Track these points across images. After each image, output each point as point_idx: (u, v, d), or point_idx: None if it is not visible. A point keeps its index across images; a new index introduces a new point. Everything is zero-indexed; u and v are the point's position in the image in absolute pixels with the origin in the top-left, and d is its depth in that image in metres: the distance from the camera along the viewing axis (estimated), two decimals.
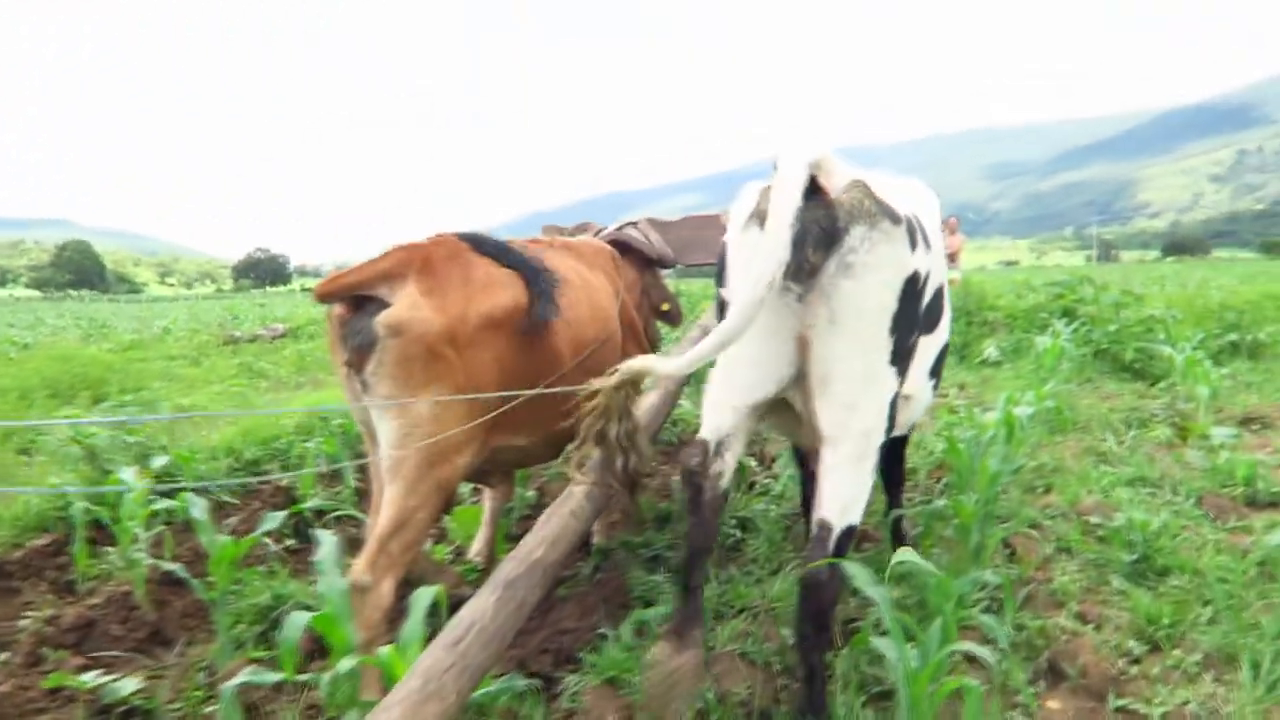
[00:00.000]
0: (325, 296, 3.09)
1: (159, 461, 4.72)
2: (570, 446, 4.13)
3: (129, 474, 4.34)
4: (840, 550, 2.65)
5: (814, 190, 2.51)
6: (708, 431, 2.88)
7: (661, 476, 5.71)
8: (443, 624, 2.34)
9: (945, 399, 8.30)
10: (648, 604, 3.77)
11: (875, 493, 5.02)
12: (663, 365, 2.71)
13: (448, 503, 3.35)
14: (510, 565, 2.67)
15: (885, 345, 2.60)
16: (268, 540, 4.58)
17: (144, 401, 6.75)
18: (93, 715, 3.09)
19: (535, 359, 3.42)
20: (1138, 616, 3.52)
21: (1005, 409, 5.22)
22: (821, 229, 2.49)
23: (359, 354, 3.00)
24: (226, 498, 5.46)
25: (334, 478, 5.72)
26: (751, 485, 5.40)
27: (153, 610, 3.86)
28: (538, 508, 5.10)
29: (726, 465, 2.90)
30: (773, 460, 5.90)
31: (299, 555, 4.70)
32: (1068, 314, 11.29)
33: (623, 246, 4.97)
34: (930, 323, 3.08)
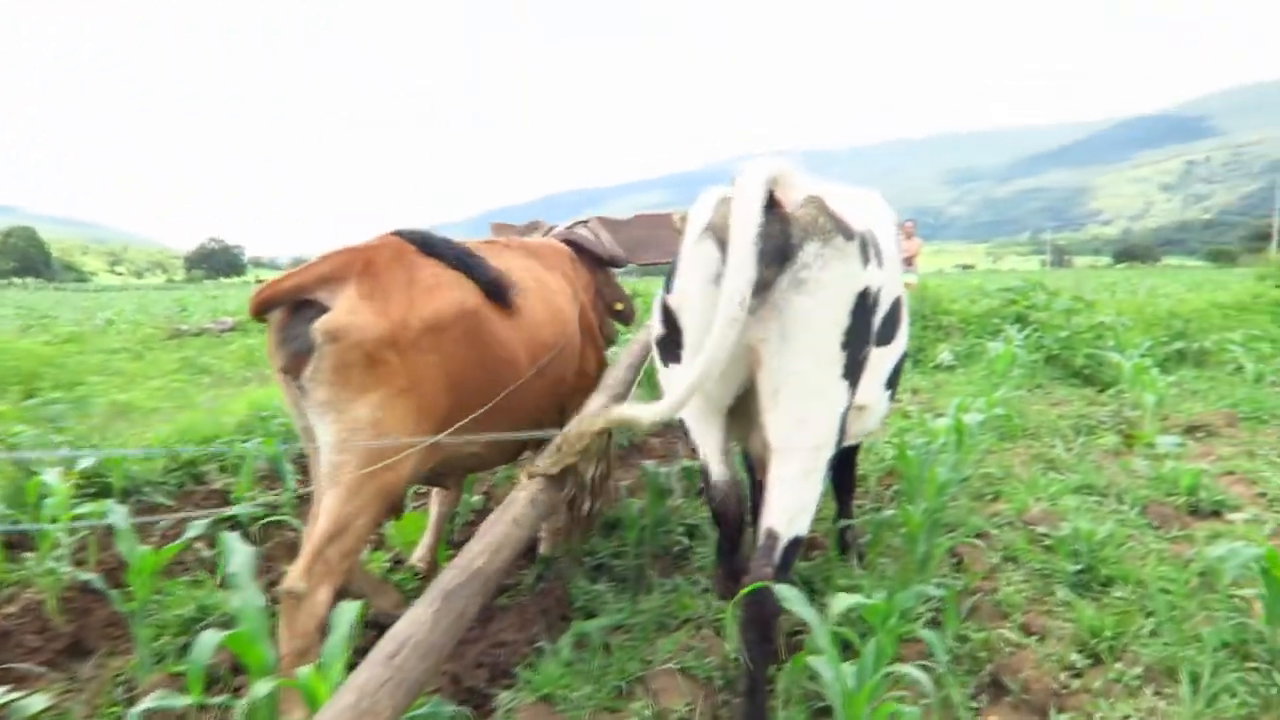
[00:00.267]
0: (265, 303, 2.96)
1: (86, 463, 4.50)
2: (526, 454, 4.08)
3: (52, 475, 4.15)
4: (786, 560, 2.64)
5: (770, 204, 2.47)
6: (712, 454, 3.04)
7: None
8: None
9: (898, 404, 8.31)
10: (590, 615, 3.69)
11: (825, 499, 5.01)
12: (648, 413, 2.69)
13: (391, 509, 3.23)
14: (450, 574, 2.59)
15: (837, 360, 2.58)
16: (200, 546, 4.45)
17: (77, 398, 6.48)
18: None
19: (488, 363, 3.32)
20: (1081, 628, 3.50)
21: (956, 416, 5.22)
22: (775, 244, 2.46)
23: (295, 359, 2.89)
24: (161, 499, 5.28)
25: (275, 479, 5.55)
26: (700, 491, 5.32)
27: (72, 620, 3.70)
28: (483, 513, 4.99)
29: (735, 468, 3.13)
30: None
31: None
32: (1020, 320, 11.42)
33: (574, 246, 4.87)
34: (886, 335, 3.07)
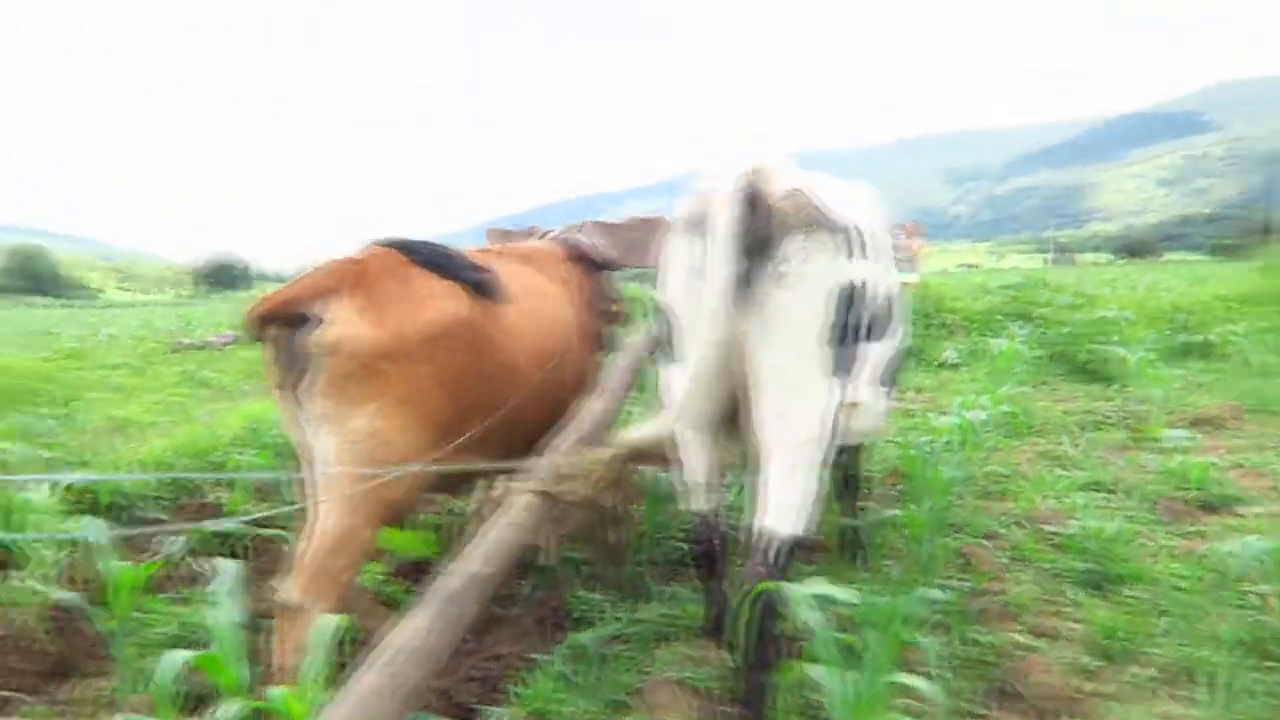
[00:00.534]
0: (261, 319, 2.91)
1: (73, 477, 4.42)
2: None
3: (38, 493, 4.08)
4: (781, 561, 2.59)
5: (753, 197, 2.44)
6: (695, 485, 3.06)
7: None
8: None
9: (901, 402, 8.22)
10: (588, 625, 3.60)
11: (828, 501, 4.91)
12: (651, 431, 2.87)
13: (393, 522, 3.21)
14: (447, 580, 2.54)
15: (822, 356, 2.53)
16: (192, 561, 4.37)
17: (65, 414, 6.42)
18: None
19: (486, 371, 3.27)
20: (1093, 629, 3.40)
21: (960, 414, 5.14)
22: (755, 237, 2.42)
23: (292, 374, 2.87)
24: (157, 514, 5.20)
25: (270, 493, 5.47)
26: None
27: (57, 641, 3.61)
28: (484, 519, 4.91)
29: (721, 501, 3.14)
30: (725, 470, 5.74)
31: None
32: (1023, 316, 11.32)
33: (570, 251, 4.81)
34: (879, 330, 2.99)
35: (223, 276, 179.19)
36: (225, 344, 15.30)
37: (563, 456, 3.21)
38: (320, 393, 2.83)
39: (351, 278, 2.93)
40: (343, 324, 2.82)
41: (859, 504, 4.45)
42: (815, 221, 2.43)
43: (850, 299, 2.54)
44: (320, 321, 2.83)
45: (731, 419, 2.97)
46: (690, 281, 2.59)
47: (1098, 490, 5.16)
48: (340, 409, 2.84)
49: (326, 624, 2.34)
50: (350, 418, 2.86)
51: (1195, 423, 6.83)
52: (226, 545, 4.64)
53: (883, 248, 3.02)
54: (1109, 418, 7.10)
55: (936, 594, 2.96)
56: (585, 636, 3.31)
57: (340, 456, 2.86)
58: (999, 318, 11.63)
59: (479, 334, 3.23)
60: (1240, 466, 5.54)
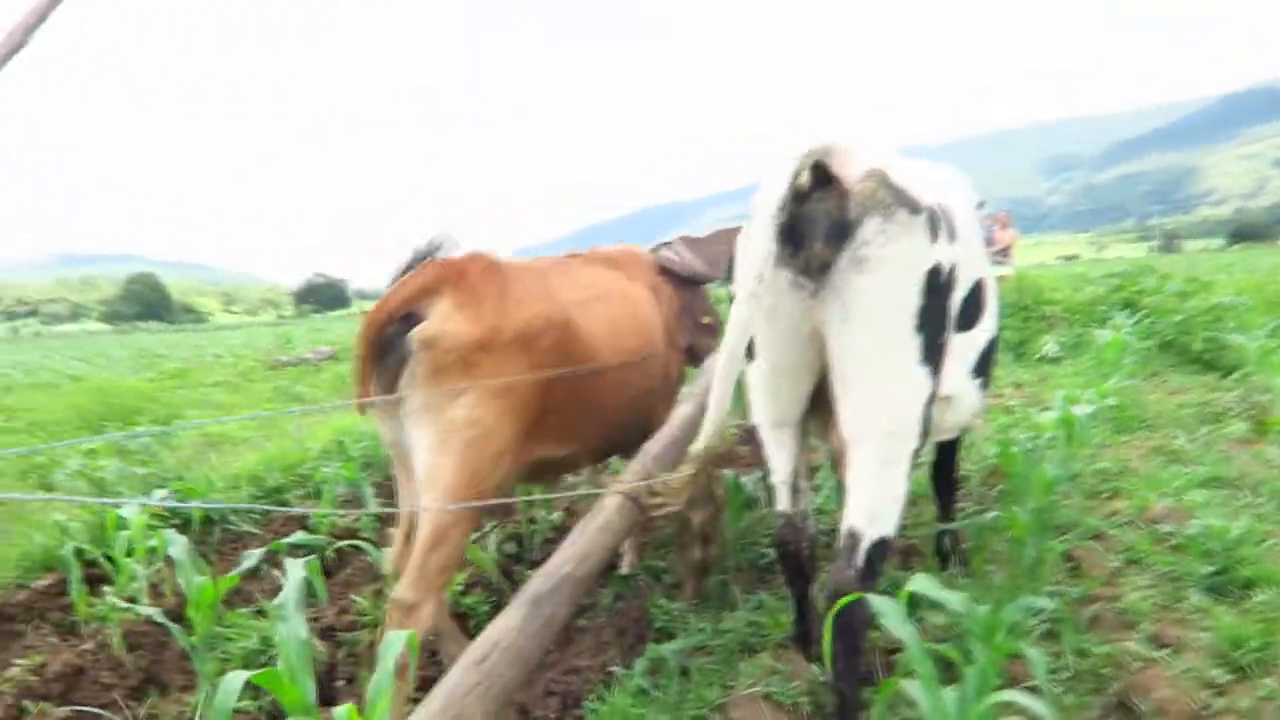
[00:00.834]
0: (383, 323, 3.02)
1: (161, 493, 4.50)
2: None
3: (129, 509, 4.15)
4: (872, 563, 2.47)
5: (826, 180, 2.36)
6: (779, 484, 2.94)
7: None
8: None
9: (1000, 399, 7.84)
10: (669, 636, 3.47)
11: (925, 504, 4.66)
12: (711, 427, 2.73)
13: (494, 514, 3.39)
14: (539, 581, 2.62)
15: (910, 343, 2.40)
16: (278, 574, 4.41)
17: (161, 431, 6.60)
18: None
19: (574, 366, 3.38)
20: (1220, 638, 3.10)
21: (1064, 408, 4.82)
22: (832, 221, 2.33)
23: (392, 371, 3.00)
24: (249, 528, 5.29)
25: (347, 505, 5.52)
26: None
27: (145, 656, 3.66)
28: (563, 529, 4.84)
29: (808, 502, 3.00)
30: (814, 471, 5.54)
31: (313, 590, 4.48)
32: (1129, 305, 10.71)
33: (661, 268, 4.78)
34: (969, 318, 2.85)
35: (322, 296, 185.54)
36: (321, 359, 15.71)
37: (642, 474, 3.25)
38: (420, 384, 2.96)
39: (452, 277, 3.08)
40: (442, 319, 2.97)
41: (956, 506, 4.21)
42: (895, 202, 2.30)
43: (937, 283, 2.40)
44: (421, 319, 2.99)
45: (817, 415, 2.89)
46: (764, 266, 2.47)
47: (1220, 487, 4.77)
48: (439, 399, 2.97)
49: (394, 640, 2.27)
50: (448, 408, 2.97)
51: None
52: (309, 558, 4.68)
53: (971, 232, 2.85)
54: (1229, 409, 6.59)
55: (1044, 601, 2.71)
56: (666, 648, 3.17)
57: (439, 446, 2.97)
58: (1103, 308, 11.02)
59: (571, 337, 3.36)
60: None
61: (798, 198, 2.39)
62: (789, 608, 3.58)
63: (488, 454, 3.02)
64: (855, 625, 2.43)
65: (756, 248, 2.36)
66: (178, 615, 3.50)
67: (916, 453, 2.54)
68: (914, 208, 2.32)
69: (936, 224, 2.39)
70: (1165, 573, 3.70)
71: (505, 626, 2.37)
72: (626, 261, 4.36)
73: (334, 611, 4.04)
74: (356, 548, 4.26)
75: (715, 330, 5.14)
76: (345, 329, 30.16)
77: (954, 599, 2.17)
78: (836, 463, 3.84)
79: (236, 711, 3.13)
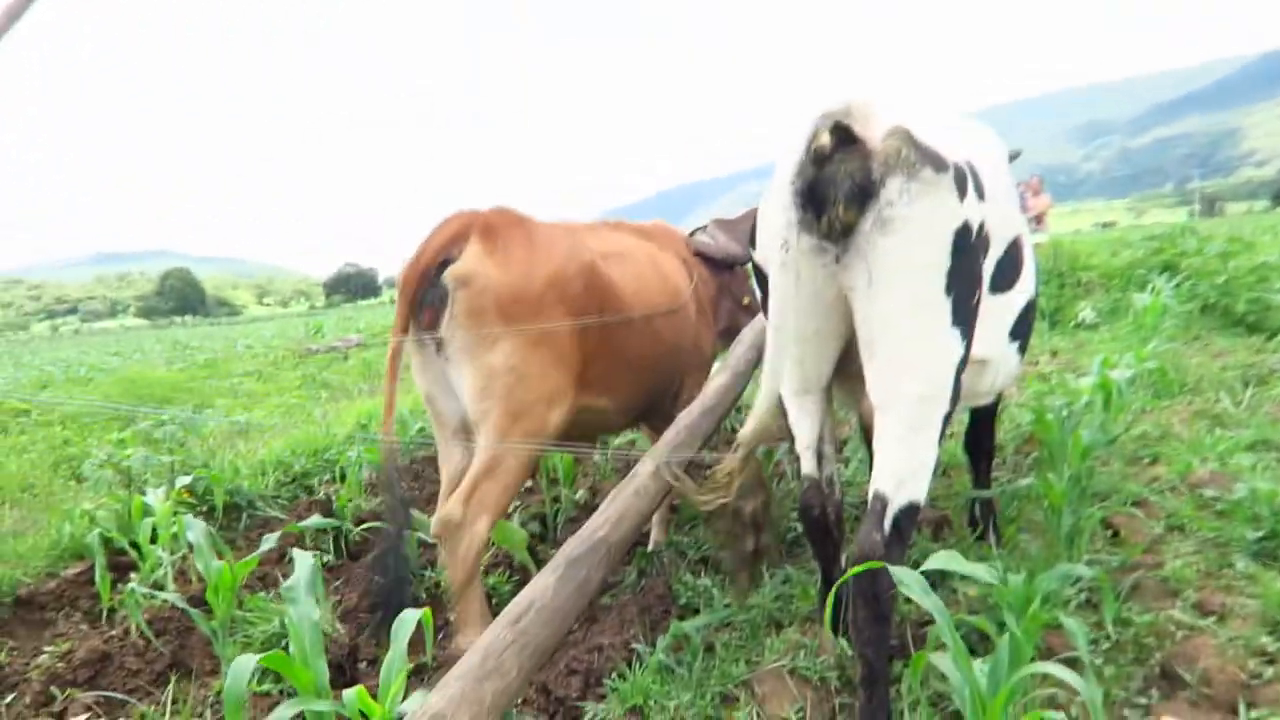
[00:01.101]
0: (424, 273, 3.11)
1: (183, 480, 4.49)
2: None
3: (154, 495, 4.15)
4: (899, 529, 2.38)
5: (848, 140, 2.26)
6: (804, 450, 2.90)
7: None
8: None
9: (1035, 366, 7.66)
10: (694, 612, 3.39)
11: (959, 473, 4.54)
12: (762, 409, 2.78)
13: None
14: (573, 543, 2.69)
15: (940, 305, 2.30)
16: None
17: (184, 419, 6.63)
18: None
19: (607, 316, 3.47)
20: (1269, 605, 2.95)
21: (1101, 373, 4.67)
22: (854, 182, 2.23)
23: (432, 312, 3.11)
24: (276, 513, 5.29)
25: (374, 490, 5.49)
26: None
27: (171, 641, 3.65)
28: (587, 509, 4.78)
29: (832, 468, 2.96)
30: (843, 444, 5.44)
31: (337, 573, 4.47)
32: (1169, 268, 10.41)
33: (697, 253, 4.80)
34: (1005, 280, 2.77)
35: (352, 285, 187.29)
36: (349, 347, 15.79)
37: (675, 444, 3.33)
38: (460, 324, 3.07)
39: (478, 226, 3.18)
40: (474, 259, 3.07)
41: (990, 475, 4.08)
42: (920, 160, 2.20)
43: (967, 242, 2.31)
44: (454, 260, 3.10)
45: (845, 384, 2.87)
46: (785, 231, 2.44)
47: (1267, 450, 4.58)
48: (478, 342, 3.07)
49: (409, 619, 2.22)
50: (488, 352, 3.07)
51: None
52: (332, 541, 4.66)
53: (1004, 189, 2.73)
54: (1275, 371, 6.37)
55: (1082, 570, 2.58)
56: (689, 625, 3.09)
57: (481, 390, 3.11)
58: (1141, 271, 10.72)
59: (599, 283, 3.45)
60: None
61: (818, 160, 2.29)
62: (816, 580, 3.50)
63: (530, 398, 3.16)
64: (881, 592, 2.34)
65: (778, 214, 2.34)
66: (201, 600, 3.48)
67: (948, 418, 2.46)
68: (940, 165, 2.23)
69: (964, 181, 2.29)
70: (1210, 538, 3.57)
71: (541, 587, 2.43)
72: (656, 234, 4.44)
73: (357, 594, 4.01)
74: (380, 530, 4.21)
75: (755, 312, 5.09)
76: (374, 317, 30.36)
77: (980, 570, 2.06)
78: (867, 434, 3.76)
79: (261, 694, 3.12)
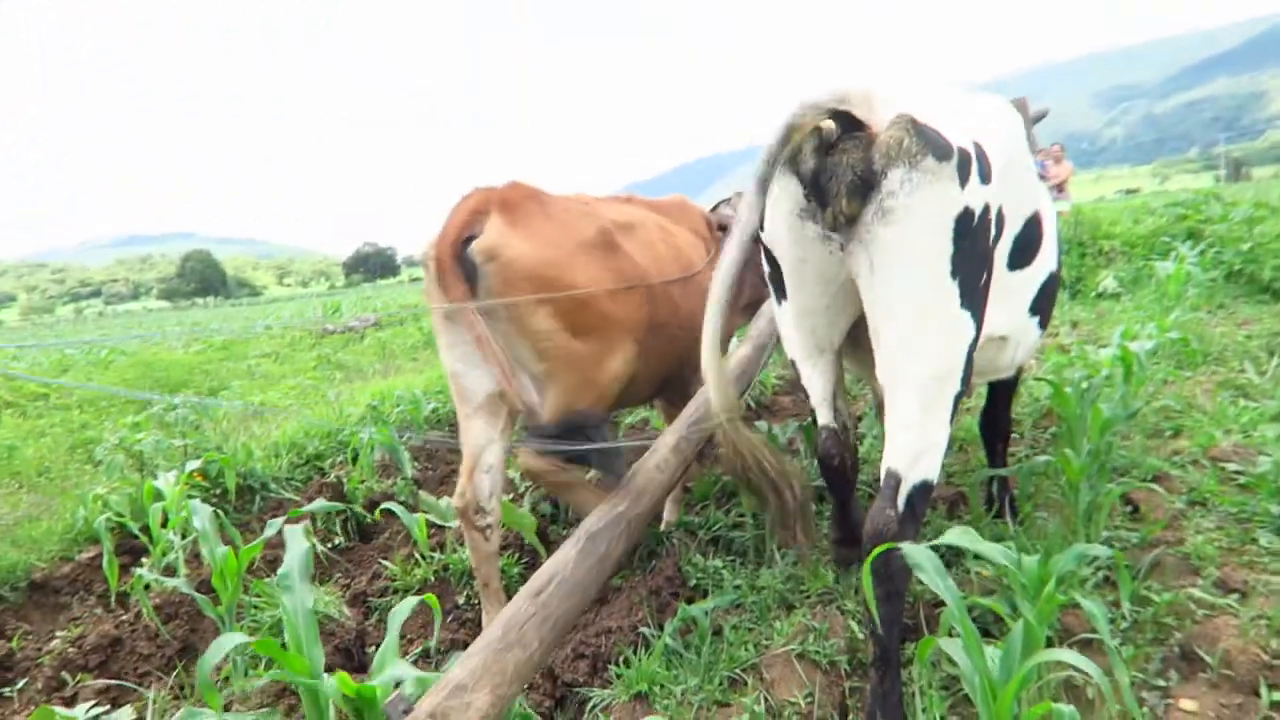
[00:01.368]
0: (454, 247, 3.09)
1: (194, 464, 4.48)
2: None
3: (165, 479, 4.14)
4: (913, 506, 2.38)
5: (854, 127, 2.32)
6: (819, 403, 2.96)
7: None
8: None
9: (1055, 338, 7.54)
10: (703, 594, 3.35)
11: (975, 449, 4.46)
12: (712, 383, 2.66)
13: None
14: (594, 518, 2.74)
15: (945, 289, 2.31)
16: (314, 541, 4.39)
17: (194, 403, 6.63)
18: None
19: (621, 284, 3.47)
20: None
21: (1122, 344, 4.57)
22: (856, 174, 2.26)
23: (459, 289, 3.09)
24: (290, 495, 5.29)
25: (386, 470, 5.48)
26: None
27: (182, 625, 3.65)
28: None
29: (845, 414, 3.03)
30: (858, 419, 5.36)
31: (347, 555, 4.46)
32: (1193, 236, 10.23)
33: (721, 226, 4.76)
34: (1025, 255, 2.80)
35: (371, 265, 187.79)
36: (366, 326, 15.81)
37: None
38: (493, 295, 3.08)
39: (496, 200, 3.19)
40: (495, 234, 3.07)
41: (1008, 448, 4.00)
42: (921, 149, 2.20)
43: (969, 227, 2.30)
44: (478, 235, 3.09)
45: (860, 358, 2.96)
46: (789, 219, 2.50)
47: None
48: (520, 310, 3.08)
49: (404, 606, 2.19)
50: (531, 318, 3.10)
51: None
52: (345, 523, 4.65)
53: (1019, 166, 2.68)
54: None
55: (1099, 549, 2.50)
56: (697, 608, 3.04)
57: (540, 353, 3.15)
58: (1165, 239, 10.53)
59: (618, 252, 3.46)
60: None
61: (820, 149, 2.33)
62: (827, 559, 3.46)
63: (588, 349, 3.22)
64: (895, 570, 2.33)
65: (783, 200, 2.44)
66: (210, 586, 3.48)
67: (959, 397, 2.45)
68: (943, 153, 2.21)
69: (967, 166, 2.27)
70: (1232, 513, 3.49)
71: (561, 560, 2.48)
72: (671, 209, 4.42)
73: (366, 577, 4.00)
74: (391, 512, 4.20)
75: None
76: (392, 295, 30.42)
77: (994, 550, 2.01)
78: (881, 410, 3.71)
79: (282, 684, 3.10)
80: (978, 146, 2.35)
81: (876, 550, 2.18)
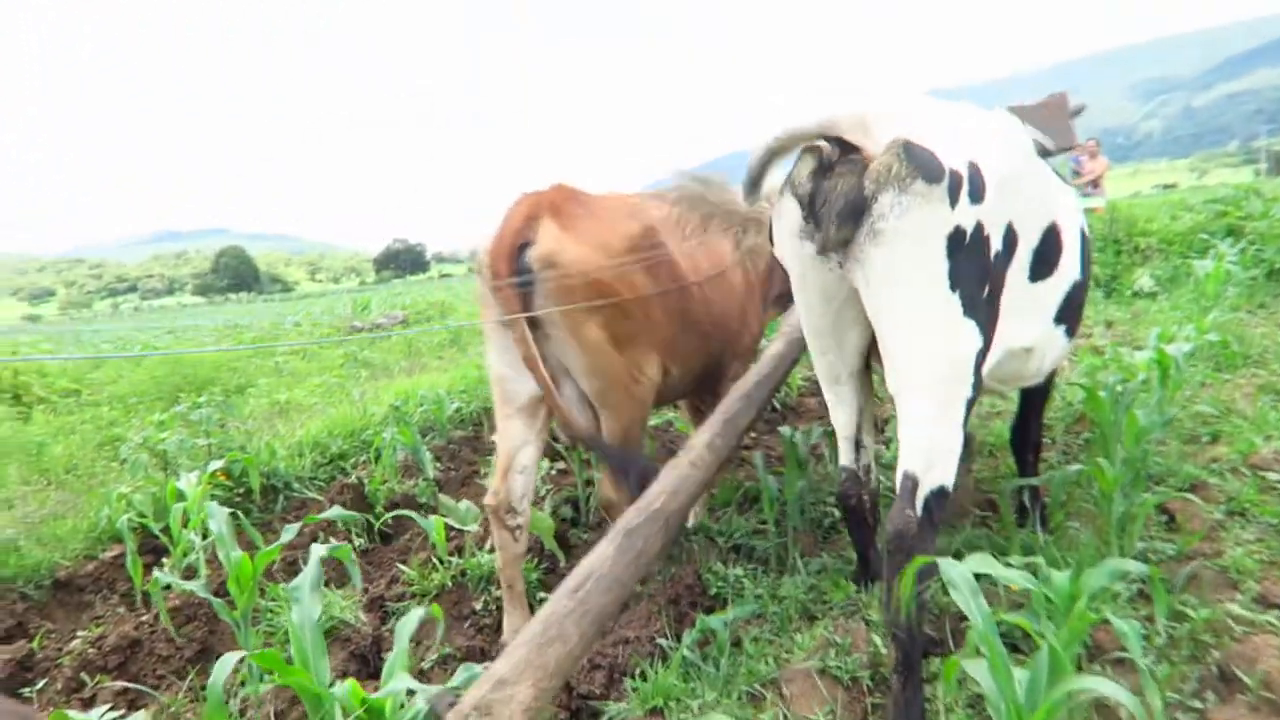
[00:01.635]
0: (509, 253, 3.14)
1: (216, 464, 4.48)
2: None
3: (187, 480, 4.14)
4: (929, 511, 2.43)
5: (852, 148, 2.44)
6: (842, 440, 3.00)
7: (760, 449, 5.16)
8: None
9: (1089, 339, 7.38)
10: (723, 603, 3.28)
11: (1005, 455, 4.35)
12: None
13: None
14: (631, 514, 2.76)
15: (943, 302, 2.38)
16: (334, 540, 4.38)
17: (218, 402, 6.67)
18: None
19: (665, 285, 3.51)
20: None
21: (1158, 346, 4.44)
22: (848, 201, 2.39)
23: (523, 297, 3.14)
24: (313, 495, 5.29)
25: (409, 471, 5.46)
26: None
27: (201, 627, 3.65)
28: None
29: (870, 458, 3.03)
30: (885, 423, 5.27)
31: (368, 556, 4.44)
32: (1233, 233, 9.99)
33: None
34: (1044, 268, 2.84)
35: (402, 261, 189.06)
36: (394, 324, 15.87)
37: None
38: (553, 304, 3.12)
39: (546, 205, 3.23)
40: (551, 240, 3.11)
41: (1040, 457, 3.90)
42: (911, 174, 2.29)
43: (964, 244, 2.37)
44: (533, 243, 3.14)
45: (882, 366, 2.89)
46: (790, 239, 2.61)
47: None
48: (574, 318, 3.13)
49: (411, 619, 2.15)
50: (585, 327, 3.16)
51: None
52: (366, 524, 4.63)
53: (1023, 182, 2.71)
54: None
55: (1133, 565, 2.40)
56: (716, 619, 2.98)
57: (591, 367, 3.24)
58: (1203, 236, 10.29)
59: (661, 249, 3.48)
60: None
61: (818, 172, 2.48)
62: (850, 569, 3.39)
63: (635, 362, 3.31)
64: (918, 572, 2.26)
65: (785, 217, 2.54)
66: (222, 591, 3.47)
67: (971, 402, 2.50)
68: (932, 176, 2.29)
69: (958, 188, 2.34)
70: (1273, 524, 3.37)
71: (599, 556, 2.52)
72: None
73: (385, 581, 3.97)
74: (409, 518, 4.17)
75: None
76: (421, 292, 30.57)
77: (1019, 576, 1.93)
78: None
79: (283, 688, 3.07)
80: (973, 166, 2.40)
81: (909, 569, 2.12)
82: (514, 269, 3.12)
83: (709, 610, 3.23)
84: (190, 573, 3.97)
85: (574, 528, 4.51)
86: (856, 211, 2.37)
